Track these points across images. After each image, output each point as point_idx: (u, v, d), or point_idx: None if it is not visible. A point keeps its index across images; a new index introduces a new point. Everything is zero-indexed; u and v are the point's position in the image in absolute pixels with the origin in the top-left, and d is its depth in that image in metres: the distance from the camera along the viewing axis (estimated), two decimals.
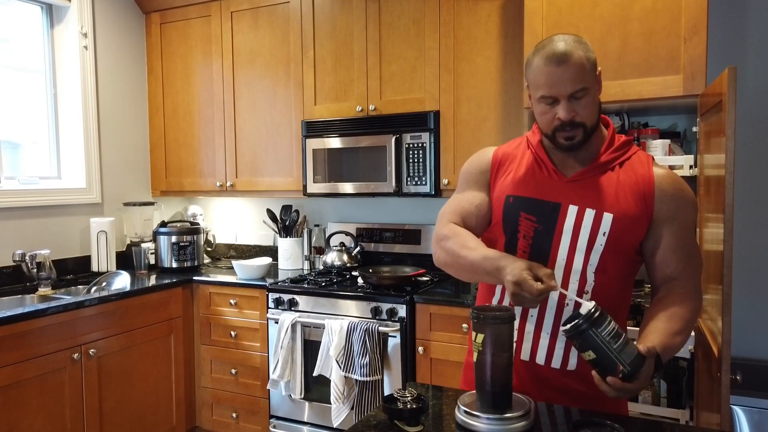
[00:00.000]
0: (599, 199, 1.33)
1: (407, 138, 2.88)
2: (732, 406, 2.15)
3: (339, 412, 2.63)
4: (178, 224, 3.50)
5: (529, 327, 1.38)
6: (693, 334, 2.05)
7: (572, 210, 1.34)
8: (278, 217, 3.43)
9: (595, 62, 1.31)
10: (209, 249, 3.81)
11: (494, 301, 1.44)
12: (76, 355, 2.57)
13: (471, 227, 1.44)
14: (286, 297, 2.90)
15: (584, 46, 1.30)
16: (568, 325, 1.15)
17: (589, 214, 1.32)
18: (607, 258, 1.33)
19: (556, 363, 1.36)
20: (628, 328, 2.12)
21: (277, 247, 3.57)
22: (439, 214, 1.49)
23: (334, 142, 3.07)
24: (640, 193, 1.32)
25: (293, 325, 2.81)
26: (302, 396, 2.83)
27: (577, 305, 1.21)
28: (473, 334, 1.22)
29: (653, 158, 1.40)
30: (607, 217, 1.31)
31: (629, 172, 1.35)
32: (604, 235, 1.31)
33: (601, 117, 1.41)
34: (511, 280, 1.20)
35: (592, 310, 1.14)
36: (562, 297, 1.35)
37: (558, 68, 1.26)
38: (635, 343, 1.18)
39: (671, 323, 1.26)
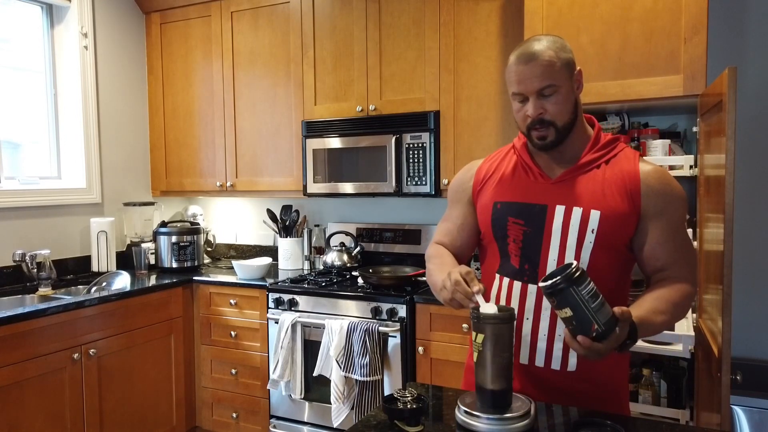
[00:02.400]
0: (586, 197, 1.34)
1: (407, 138, 2.88)
2: (732, 406, 2.15)
3: (339, 412, 2.63)
4: (178, 224, 3.50)
5: (526, 330, 1.38)
6: (693, 334, 2.05)
7: (559, 210, 1.35)
8: (278, 217, 3.43)
9: (568, 62, 1.33)
10: (209, 249, 3.81)
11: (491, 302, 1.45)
12: (76, 355, 2.57)
13: (458, 245, 1.53)
14: (286, 297, 2.90)
15: (557, 46, 1.32)
16: (549, 281, 1.15)
17: (577, 212, 1.34)
18: (598, 255, 1.33)
19: (555, 365, 1.36)
20: None
21: (277, 247, 3.57)
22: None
23: (334, 142, 3.07)
24: (627, 190, 1.33)
25: (293, 325, 2.81)
26: (302, 396, 2.83)
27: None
28: (473, 334, 1.22)
29: (640, 155, 1.40)
30: (595, 215, 1.32)
31: (615, 169, 1.36)
32: (592, 232, 1.32)
33: (587, 117, 1.43)
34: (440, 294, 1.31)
35: (574, 268, 1.14)
36: None
37: (526, 66, 1.31)
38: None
39: (656, 303, 1.28)
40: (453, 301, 1.26)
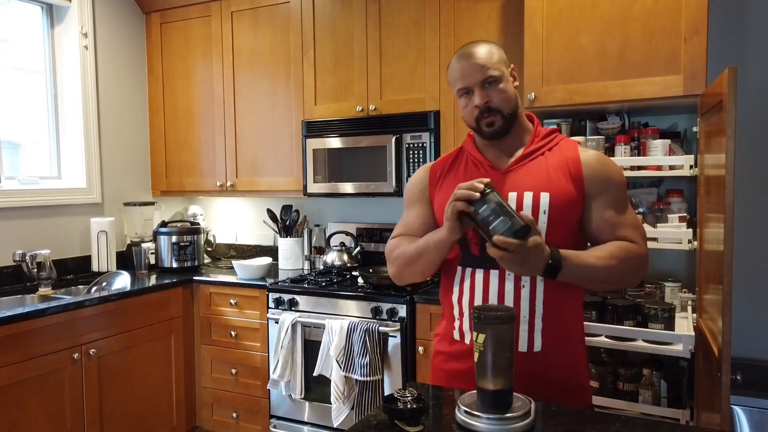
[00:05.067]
0: (534, 182, 1.44)
1: (407, 138, 2.88)
2: (732, 406, 2.15)
3: (339, 412, 2.63)
4: (179, 224, 3.50)
5: None
6: (693, 334, 2.05)
7: (512, 196, 1.44)
8: (278, 217, 3.43)
9: (503, 57, 1.47)
10: (209, 249, 3.81)
11: (456, 327, 1.51)
12: (76, 355, 2.57)
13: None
14: (286, 297, 2.90)
15: (491, 44, 1.47)
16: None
17: (528, 196, 1.42)
18: (553, 236, 1.40)
19: (522, 346, 1.42)
20: (629, 327, 2.13)
21: (277, 247, 3.57)
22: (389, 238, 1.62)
23: (335, 142, 3.07)
24: (570, 173, 1.44)
25: (293, 325, 2.81)
26: (302, 396, 2.83)
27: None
28: (474, 334, 1.22)
29: (579, 143, 1.52)
30: (545, 197, 1.41)
31: (558, 155, 1.47)
32: (545, 213, 1.41)
33: (527, 115, 1.56)
34: (452, 201, 1.32)
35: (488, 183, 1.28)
36: (517, 286, 1.41)
37: (467, 62, 1.44)
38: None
39: (595, 250, 1.39)
40: (455, 215, 1.31)
